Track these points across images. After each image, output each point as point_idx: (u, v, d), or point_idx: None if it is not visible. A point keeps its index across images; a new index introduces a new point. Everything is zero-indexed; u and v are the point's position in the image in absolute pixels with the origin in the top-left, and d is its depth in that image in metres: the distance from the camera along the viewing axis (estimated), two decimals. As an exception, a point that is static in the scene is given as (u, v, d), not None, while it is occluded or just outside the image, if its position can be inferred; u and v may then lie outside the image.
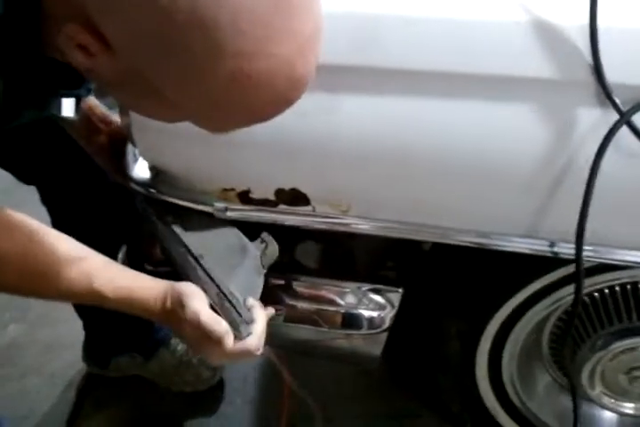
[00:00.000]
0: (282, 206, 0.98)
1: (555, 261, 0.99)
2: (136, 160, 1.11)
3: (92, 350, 1.64)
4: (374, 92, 0.86)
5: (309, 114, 0.87)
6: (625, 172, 0.85)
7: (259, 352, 0.91)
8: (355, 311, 1.11)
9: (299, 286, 1.15)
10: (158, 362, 1.61)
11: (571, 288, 1.08)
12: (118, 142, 1.20)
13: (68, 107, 0.86)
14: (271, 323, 1.13)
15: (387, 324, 1.07)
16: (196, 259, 0.95)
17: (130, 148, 1.12)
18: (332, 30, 0.82)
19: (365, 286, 1.10)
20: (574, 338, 1.16)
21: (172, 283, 0.89)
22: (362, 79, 0.86)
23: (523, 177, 0.88)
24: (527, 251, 0.96)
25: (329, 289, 1.14)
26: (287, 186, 0.96)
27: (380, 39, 0.83)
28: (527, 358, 1.25)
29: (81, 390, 1.67)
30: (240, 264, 0.97)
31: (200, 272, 0.93)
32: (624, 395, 1.24)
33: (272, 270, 1.09)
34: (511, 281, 1.10)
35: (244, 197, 0.99)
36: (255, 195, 0.98)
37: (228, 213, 0.99)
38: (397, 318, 1.10)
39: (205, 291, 0.90)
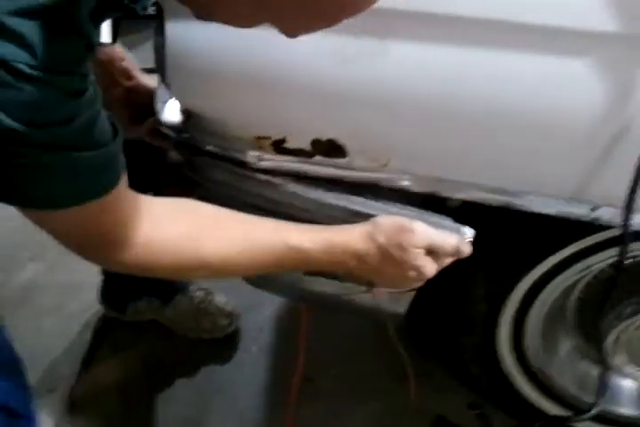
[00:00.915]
0: (317, 158, 0.95)
1: (590, 227, 0.96)
2: (167, 102, 1.09)
3: (109, 294, 1.65)
4: (423, 38, 0.82)
5: (352, 60, 0.84)
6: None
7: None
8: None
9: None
10: (176, 308, 1.62)
11: (604, 254, 1.07)
12: (137, 96, 1.18)
13: (104, 32, 0.82)
14: (291, 275, 1.12)
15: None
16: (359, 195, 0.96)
17: (161, 89, 1.09)
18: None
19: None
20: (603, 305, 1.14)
21: (366, 222, 0.89)
22: (410, 25, 0.82)
23: (576, 136, 0.84)
24: (568, 215, 0.93)
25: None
26: (324, 136, 0.93)
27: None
28: (551, 323, 1.23)
29: (97, 332, 1.69)
30: None
31: (376, 204, 0.95)
32: (647, 364, 1.23)
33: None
34: (544, 244, 1.08)
35: (279, 147, 0.96)
36: (290, 144, 0.95)
37: (262, 163, 0.96)
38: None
39: None
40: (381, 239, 0.87)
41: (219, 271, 0.87)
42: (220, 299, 1.65)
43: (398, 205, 0.95)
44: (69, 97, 0.64)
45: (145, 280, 1.55)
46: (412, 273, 0.89)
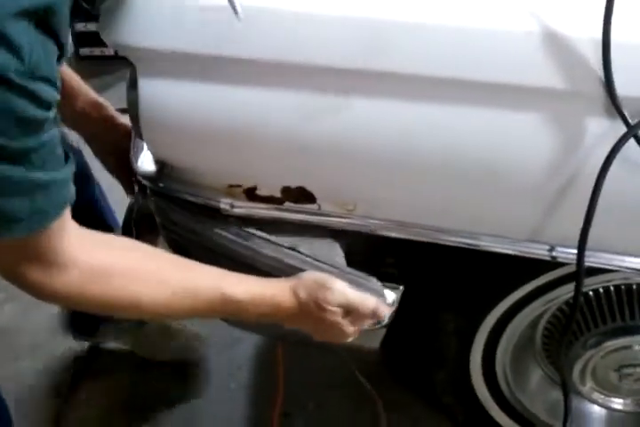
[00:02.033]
0: (288, 204, 0.99)
1: (552, 263, 1.01)
2: (141, 153, 1.12)
3: (77, 320, 1.65)
4: (384, 95, 0.86)
5: (319, 114, 0.88)
6: (630, 183, 0.87)
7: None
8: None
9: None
10: (144, 329, 1.62)
11: (566, 288, 1.12)
12: (113, 133, 1.21)
13: None
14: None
15: (386, 320, 1.08)
16: (291, 249, 0.99)
17: (135, 140, 1.12)
18: (345, 34, 0.84)
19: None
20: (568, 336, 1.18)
21: (293, 277, 0.91)
22: (373, 82, 0.86)
23: (529, 184, 0.89)
24: (527, 254, 0.98)
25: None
26: (294, 184, 0.97)
27: (392, 44, 0.83)
28: (521, 353, 1.27)
29: (76, 370, 1.69)
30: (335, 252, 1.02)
31: (307, 258, 0.97)
32: (614, 391, 1.28)
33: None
34: (509, 280, 1.12)
35: (251, 194, 0.99)
36: (262, 192, 0.99)
37: (235, 210, 1.00)
38: (397, 313, 1.12)
39: None
40: (302, 295, 0.89)
41: (149, 312, 0.88)
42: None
43: (329, 262, 0.98)
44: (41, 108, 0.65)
45: None
46: (334, 330, 0.92)
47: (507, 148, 0.87)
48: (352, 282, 0.93)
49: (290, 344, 1.50)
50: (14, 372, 1.65)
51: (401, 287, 1.08)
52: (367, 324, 0.93)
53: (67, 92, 1.16)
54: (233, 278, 0.89)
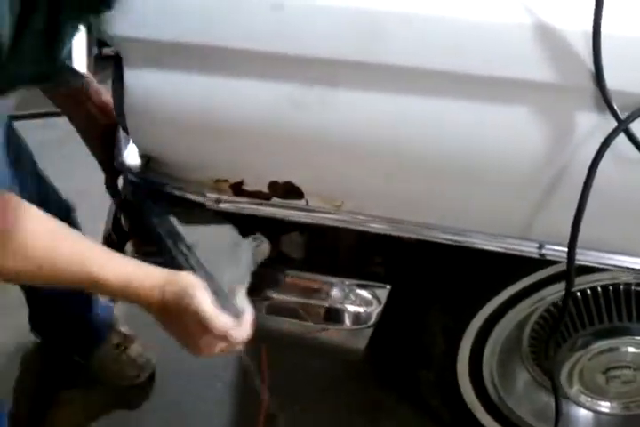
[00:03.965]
0: (275, 199, 0.98)
1: (540, 261, 1.00)
2: (127, 146, 1.10)
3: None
4: (372, 87, 0.85)
5: (306, 106, 0.87)
6: (620, 178, 0.86)
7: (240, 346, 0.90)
8: (340, 306, 1.12)
9: (283, 279, 1.15)
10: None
11: (554, 288, 1.11)
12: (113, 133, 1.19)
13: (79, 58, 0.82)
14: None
15: (373, 320, 1.07)
16: (188, 248, 0.95)
17: (121, 133, 1.11)
18: (335, 24, 0.83)
19: (352, 281, 1.10)
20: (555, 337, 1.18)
21: (172, 272, 0.87)
22: (361, 74, 0.85)
23: (517, 179, 0.88)
24: (516, 252, 0.97)
25: (314, 282, 1.14)
26: (281, 179, 0.95)
27: (381, 35, 0.83)
28: (508, 355, 1.27)
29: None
30: (232, 258, 0.97)
31: (193, 262, 0.93)
32: (601, 394, 1.27)
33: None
34: (497, 279, 1.12)
35: (237, 189, 0.98)
36: (248, 187, 0.98)
37: (221, 205, 0.99)
38: (383, 313, 1.11)
39: None
40: (167, 296, 0.85)
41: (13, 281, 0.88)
42: (136, 348, 1.64)
43: (211, 271, 0.94)
44: None
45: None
46: (190, 340, 0.88)
47: (495, 141, 0.86)
48: (218, 295, 0.89)
49: (275, 345, 1.50)
50: None
51: (388, 286, 1.07)
52: (217, 346, 0.87)
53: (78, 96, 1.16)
54: (108, 260, 0.86)
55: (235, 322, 0.86)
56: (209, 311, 0.84)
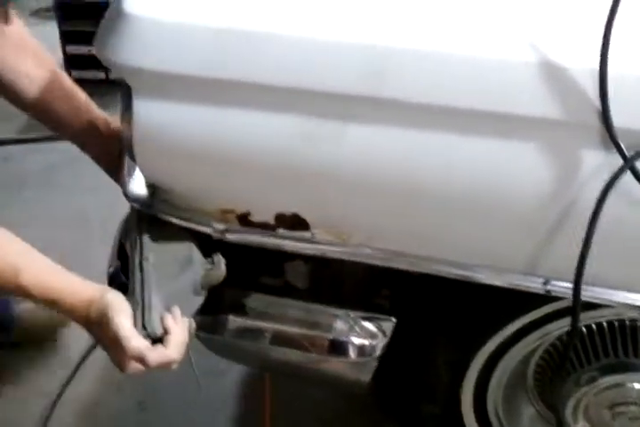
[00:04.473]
0: (281, 231, 0.98)
1: (545, 297, 0.99)
2: (133, 175, 1.10)
3: None
4: (382, 123, 0.86)
5: (316, 140, 0.88)
6: (626, 216, 0.86)
7: (175, 366, 0.92)
8: (344, 338, 1.11)
9: (287, 309, 1.15)
10: None
11: (559, 323, 1.11)
12: None
13: None
14: (256, 344, 1.13)
15: (378, 352, 1.06)
16: (140, 262, 0.98)
17: (127, 162, 1.11)
18: (345, 59, 0.84)
19: (358, 314, 1.10)
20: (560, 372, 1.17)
21: (102, 290, 0.91)
22: (371, 110, 0.86)
23: (524, 215, 0.88)
24: (521, 287, 0.97)
25: (319, 314, 1.14)
26: (288, 211, 0.96)
27: (391, 72, 0.83)
28: (512, 389, 1.25)
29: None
30: (177, 276, 0.99)
31: (137, 273, 0.96)
32: (606, 430, 1.25)
33: (261, 290, 1.09)
34: (502, 313, 1.11)
35: (244, 220, 0.98)
36: (255, 218, 0.98)
37: (228, 236, 0.99)
38: (388, 345, 1.10)
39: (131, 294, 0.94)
40: (92, 314, 0.90)
41: None
42: None
43: (148, 290, 0.96)
44: None
45: None
46: (113, 357, 0.91)
47: (502, 178, 0.86)
48: (144, 315, 0.92)
49: (277, 376, 1.49)
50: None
51: (393, 319, 1.06)
52: (133, 366, 0.90)
53: (73, 109, 1.17)
54: (37, 271, 0.90)
55: (148, 346, 0.89)
56: (122, 333, 0.88)
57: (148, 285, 0.95)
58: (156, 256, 1.00)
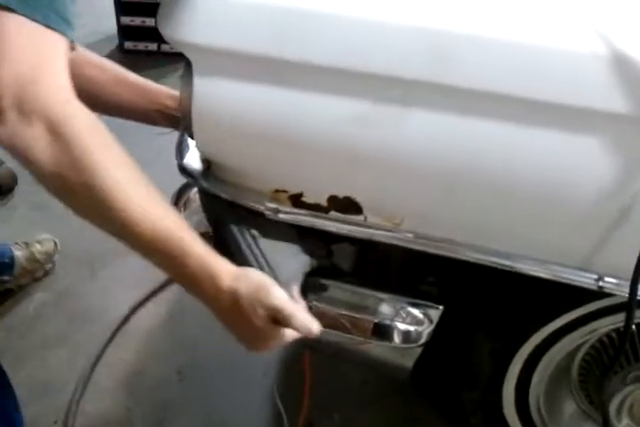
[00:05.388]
0: (333, 213, 0.97)
1: (595, 293, 0.97)
2: (188, 149, 1.11)
3: None
4: (444, 109, 0.85)
5: (375, 124, 0.87)
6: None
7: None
8: (389, 323, 1.10)
9: (334, 291, 1.15)
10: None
11: (608, 320, 1.09)
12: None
13: None
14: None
15: (423, 339, 1.06)
16: (253, 238, 0.97)
17: (183, 136, 1.12)
18: (410, 44, 0.82)
19: (405, 299, 1.09)
20: (607, 368, 1.15)
21: (241, 268, 0.87)
22: (432, 95, 0.84)
23: (584, 209, 0.86)
24: (574, 282, 0.95)
25: (365, 297, 1.13)
26: (341, 193, 0.95)
27: (455, 57, 0.82)
28: (556, 383, 1.24)
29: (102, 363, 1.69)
30: (288, 253, 0.99)
31: (255, 250, 0.95)
32: (650, 430, 1.23)
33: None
34: (551, 307, 1.09)
35: (296, 200, 0.98)
36: (307, 199, 0.97)
37: (280, 215, 0.98)
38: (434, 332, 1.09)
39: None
40: (241, 289, 0.84)
41: (97, 208, 0.80)
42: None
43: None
44: None
45: None
46: (253, 335, 0.87)
47: (566, 171, 0.84)
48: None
49: (318, 354, 1.49)
50: (40, 360, 1.66)
51: (441, 307, 1.05)
52: (277, 341, 0.87)
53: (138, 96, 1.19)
54: (196, 240, 0.84)
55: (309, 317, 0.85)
56: (288, 306, 0.84)
57: (269, 261, 0.94)
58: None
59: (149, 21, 3.00)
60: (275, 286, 0.85)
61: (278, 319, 0.84)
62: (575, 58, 0.80)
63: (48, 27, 0.79)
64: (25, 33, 0.78)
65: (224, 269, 0.84)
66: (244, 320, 0.85)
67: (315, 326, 0.84)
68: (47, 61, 0.79)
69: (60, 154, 0.77)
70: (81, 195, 0.79)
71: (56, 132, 0.77)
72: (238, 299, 0.84)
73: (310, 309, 1.14)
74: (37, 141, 0.77)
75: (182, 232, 0.83)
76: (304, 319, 0.84)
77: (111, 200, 0.78)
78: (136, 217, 0.80)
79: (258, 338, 0.87)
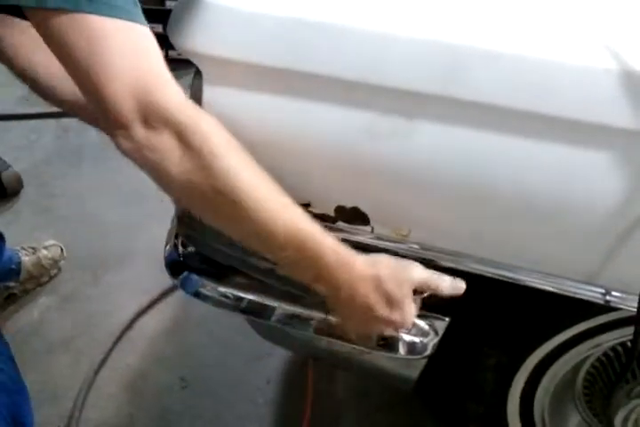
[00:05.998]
0: (340, 223, 0.97)
1: (601, 306, 0.97)
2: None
3: None
4: (451, 122, 0.85)
5: (384, 136, 0.87)
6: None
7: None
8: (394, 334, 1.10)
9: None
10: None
11: (614, 333, 1.08)
12: None
13: None
14: (300, 333, 1.13)
15: (428, 351, 1.05)
16: None
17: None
18: (418, 56, 0.82)
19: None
20: (612, 382, 1.15)
21: (367, 255, 0.88)
22: (441, 108, 0.84)
23: (592, 224, 0.86)
24: (581, 296, 0.95)
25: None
26: (349, 204, 0.95)
27: (465, 71, 0.82)
28: (560, 396, 1.23)
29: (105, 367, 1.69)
30: None
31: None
32: (655, 445, 1.22)
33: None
34: (557, 320, 1.09)
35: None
36: (315, 209, 0.97)
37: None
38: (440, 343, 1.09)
39: None
40: (383, 273, 0.85)
41: (234, 213, 0.79)
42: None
43: None
44: None
45: None
46: (387, 315, 0.88)
47: (574, 185, 0.84)
48: None
49: (321, 364, 1.49)
50: (45, 365, 1.67)
51: (447, 319, 1.05)
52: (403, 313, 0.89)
53: None
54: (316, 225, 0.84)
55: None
56: (433, 276, 0.90)
57: None
58: None
59: (157, 28, 3.00)
60: (411, 263, 0.89)
61: (423, 291, 0.90)
62: (586, 73, 0.80)
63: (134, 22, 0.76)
64: (121, 37, 0.75)
65: (357, 258, 0.86)
66: (383, 303, 0.86)
67: (463, 283, 0.91)
68: (152, 62, 0.78)
69: (191, 161, 0.76)
70: (214, 200, 0.79)
71: (186, 140, 0.76)
72: (381, 283, 0.86)
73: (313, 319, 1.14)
74: (171, 152, 0.76)
75: (312, 225, 0.83)
76: (451, 281, 0.91)
77: (246, 201, 0.79)
78: (270, 215, 0.80)
79: (390, 318, 0.89)
